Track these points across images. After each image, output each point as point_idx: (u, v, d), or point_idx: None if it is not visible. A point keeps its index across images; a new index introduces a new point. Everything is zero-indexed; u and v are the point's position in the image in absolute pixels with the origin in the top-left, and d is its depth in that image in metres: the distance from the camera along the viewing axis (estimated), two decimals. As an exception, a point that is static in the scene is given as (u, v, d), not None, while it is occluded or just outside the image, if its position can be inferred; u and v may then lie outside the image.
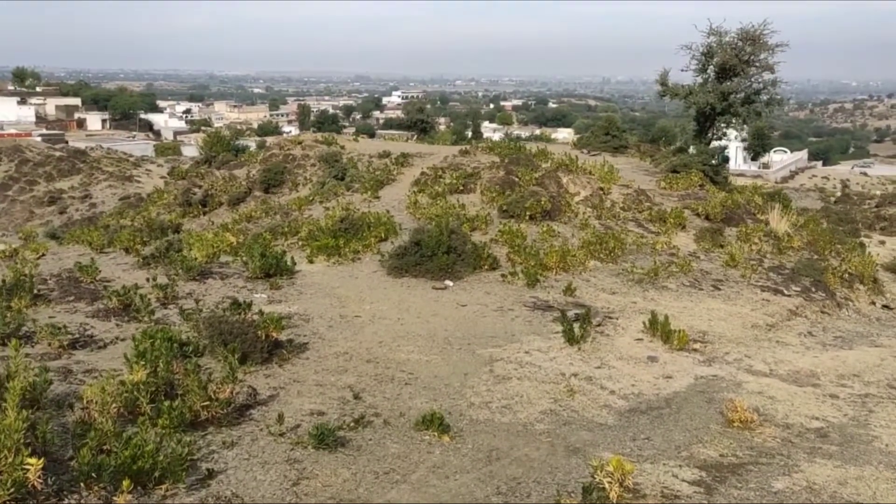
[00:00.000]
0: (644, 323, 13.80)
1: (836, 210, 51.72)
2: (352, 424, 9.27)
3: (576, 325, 13.06)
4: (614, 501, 7.70)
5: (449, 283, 16.62)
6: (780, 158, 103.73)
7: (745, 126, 29.23)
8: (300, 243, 20.31)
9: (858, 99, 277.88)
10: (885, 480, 8.73)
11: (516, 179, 24.05)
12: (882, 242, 35.04)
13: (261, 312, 12.08)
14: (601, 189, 23.54)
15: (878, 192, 71.91)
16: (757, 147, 78.41)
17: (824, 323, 16.30)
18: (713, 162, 28.88)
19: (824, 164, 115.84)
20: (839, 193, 71.98)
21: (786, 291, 17.01)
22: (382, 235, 19.74)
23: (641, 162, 32.30)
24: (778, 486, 8.45)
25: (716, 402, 11.00)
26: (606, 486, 7.71)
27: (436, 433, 9.24)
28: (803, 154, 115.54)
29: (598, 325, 13.81)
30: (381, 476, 8.03)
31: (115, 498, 6.22)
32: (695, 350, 13.35)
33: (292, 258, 17.55)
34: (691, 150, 30.41)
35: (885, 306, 18.87)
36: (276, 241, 20.56)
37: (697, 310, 15.47)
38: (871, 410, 11.08)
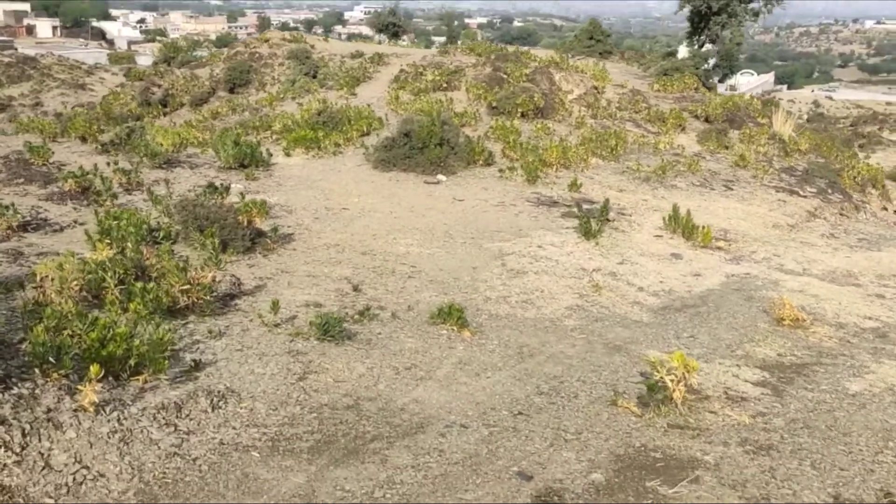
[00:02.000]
0: (664, 218, 12.54)
1: (812, 129, 50.86)
2: (356, 317, 7.92)
3: (592, 220, 11.75)
4: (679, 402, 6.49)
5: (442, 177, 15.16)
6: (747, 81, 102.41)
7: (742, 26, 27.63)
8: (274, 137, 18.61)
9: (824, 23, 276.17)
10: (967, 382, 7.65)
11: (504, 76, 22.39)
12: (867, 157, 34.17)
13: (242, 195, 10.55)
14: (595, 88, 22.04)
15: (843, 115, 71.25)
16: (725, 69, 77.11)
17: (844, 225, 15.22)
18: (706, 66, 27.43)
19: (789, 88, 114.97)
20: (809, 114, 71.17)
21: (801, 192, 15.87)
22: (365, 129, 18.11)
23: (629, 67, 30.69)
24: (854, 388, 7.33)
25: (756, 301, 9.84)
26: (669, 384, 6.49)
27: (454, 327, 7.94)
28: (769, 77, 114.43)
29: (612, 222, 12.52)
30: (402, 372, 6.73)
31: (79, 387, 4.81)
32: (719, 248, 12.15)
33: (268, 150, 15.92)
34: (680, 55, 28.89)
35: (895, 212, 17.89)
36: (247, 136, 18.80)
37: (713, 208, 14.25)
38: (925, 310, 10.01)
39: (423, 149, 15.56)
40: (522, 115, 19.73)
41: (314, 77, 27.87)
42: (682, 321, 8.98)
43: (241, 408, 5.78)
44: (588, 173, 15.86)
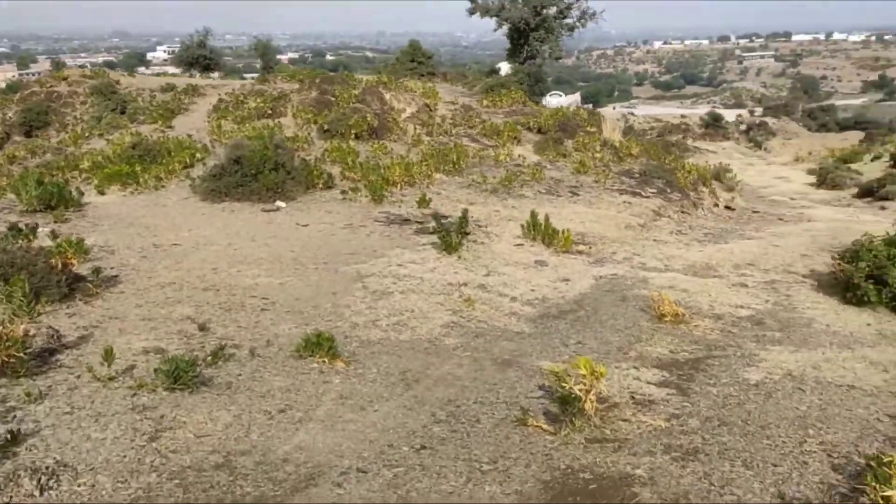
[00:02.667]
0: (522, 227, 12.08)
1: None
2: (209, 359, 6.77)
3: (451, 234, 11.08)
4: (592, 414, 5.84)
5: (281, 204, 14.06)
6: (558, 101, 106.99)
7: (559, 40, 28.18)
8: (84, 175, 16.79)
9: (618, 45, 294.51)
10: (854, 360, 7.53)
11: (332, 99, 21.56)
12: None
13: (53, 236, 9.08)
14: (427, 105, 21.62)
15: (648, 128, 75.56)
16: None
17: (688, 221, 15.43)
18: (530, 82, 27.80)
19: (595, 107, 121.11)
20: (621, 128, 74.94)
21: (644, 193, 15.99)
22: (188, 160, 16.66)
23: (453, 86, 30.66)
24: (754, 378, 6.98)
25: (631, 300, 9.47)
26: (580, 395, 5.83)
27: (325, 359, 6.96)
28: (577, 96, 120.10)
29: (469, 235, 11.91)
30: (276, 416, 5.68)
31: None
32: (580, 252, 11.82)
33: (78, 189, 14.23)
34: (502, 72, 29.17)
35: (727, 207, 18.48)
36: (52, 177, 16.85)
37: (564, 214, 13.99)
38: (788, 295, 10.01)
39: (257, 175, 14.42)
40: (357, 137, 18.94)
41: (123, 112, 25.85)
42: (564, 328, 8.43)
43: (80, 485, 4.56)
44: (434, 189, 15.25)
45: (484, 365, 7.17)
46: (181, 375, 5.85)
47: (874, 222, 16.67)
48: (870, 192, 25.16)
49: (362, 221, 12.98)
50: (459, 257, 10.77)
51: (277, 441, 5.28)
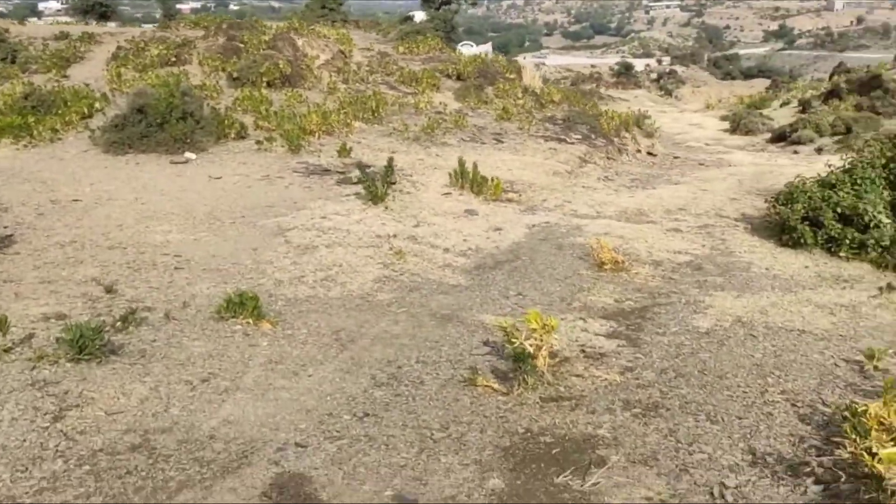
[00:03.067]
0: (450, 175, 11.57)
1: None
2: (119, 325, 6.10)
3: (376, 184, 10.49)
4: (544, 370, 5.45)
5: (191, 155, 13.17)
6: (469, 51, 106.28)
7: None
8: (-31, 129, 15.40)
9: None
10: (799, 303, 7.35)
11: (241, 46, 20.42)
12: (597, 110, 35.88)
13: (-67, 192, 8.12)
14: (342, 52, 20.72)
15: (561, 77, 75.69)
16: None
17: (614, 168, 15.20)
18: (445, 28, 27.07)
19: (506, 56, 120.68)
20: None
21: (568, 140, 15.67)
22: (87, 111, 15.48)
23: (367, 34, 29.64)
24: (704, 325, 6.71)
25: (567, 248, 9.13)
26: (532, 350, 5.42)
27: (249, 320, 6.36)
28: (488, 47, 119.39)
29: (395, 184, 11.34)
30: (198, 386, 5.09)
31: None
32: (510, 200, 11.41)
33: (-37, 143, 13.03)
34: (417, 19, 28.35)
35: (649, 153, 18.36)
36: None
37: (491, 161, 13.53)
38: (724, 239, 9.83)
39: (163, 125, 13.48)
40: (269, 85, 17.99)
41: (13, 62, 23.99)
42: (501, 279, 8.01)
43: (-30, 477, 3.91)
44: (354, 138, 14.56)
45: (422, 321, 6.69)
46: (87, 344, 5.18)
47: (791, 165, 16.81)
48: (782, 137, 25.53)
49: (280, 172, 12.26)
50: (386, 208, 10.22)
51: (202, 415, 4.70)
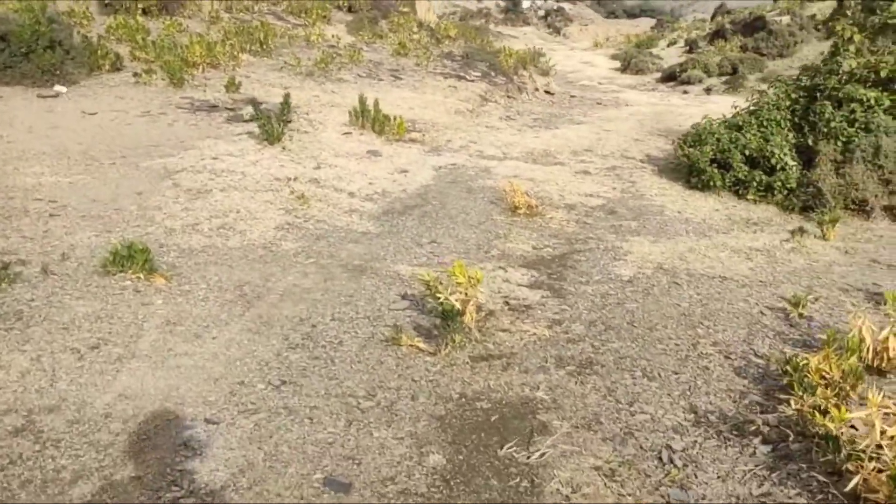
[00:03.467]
0: (350, 113, 10.96)
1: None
2: (-13, 283, 5.36)
3: (272, 121, 9.79)
4: (471, 327, 5.10)
5: (61, 88, 12.01)
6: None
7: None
8: None
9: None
10: (716, 248, 7.27)
11: (113, -31, 18.82)
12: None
13: None
14: (225, -22, 19.42)
15: (450, 12, 74.51)
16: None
17: (515, 106, 14.88)
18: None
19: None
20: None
21: (468, 77, 15.21)
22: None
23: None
24: (626, 273, 6.51)
25: (478, 192, 8.78)
26: (459, 306, 5.06)
27: (140, 275, 5.72)
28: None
29: (291, 123, 10.66)
30: (87, 354, 4.47)
31: None
32: (413, 140, 10.92)
33: None
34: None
35: (546, 91, 18.13)
36: None
37: (390, 99, 12.96)
38: (633, 181, 9.70)
39: (28, 55, 12.20)
40: (144, 12, 16.71)
41: None
42: (412, 225, 7.58)
43: None
44: (242, 71, 13.66)
45: (333, 273, 6.21)
46: (-49, 310, 4.48)
47: (685, 105, 16.96)
48: (672, 77, 25.85)
49: (162, 108, 11.33)
50: (283, 148, 9.56)
51: (94, 389, 4.11)
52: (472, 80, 15.11)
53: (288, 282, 5.97)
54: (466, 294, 5.10)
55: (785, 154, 8.86)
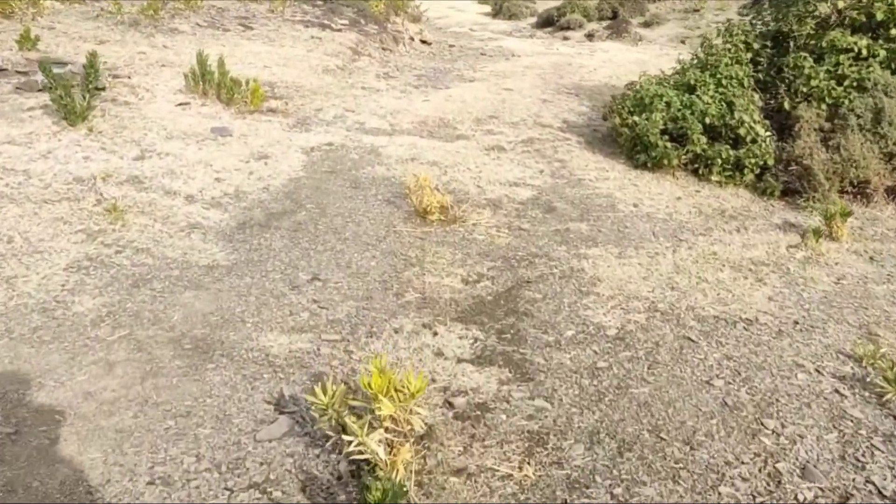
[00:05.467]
0: (186, 75, 8.28)
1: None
2: None
3: (74, 92, 7.04)
4: (408, 485, 2.86)
5: None
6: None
7: None
8: None
9: None
10: (708, 263, 5.30)
11: None
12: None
13: None
14: None
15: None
16: None
17: (393, 61, 12.45)
18: None
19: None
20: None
21: (334, 26, 12.64)
22: None
23: None
24: (610, 322, 4.43)
25: (368, 185, 6.45)
26: (383, 454, 2.81)
27: None
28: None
29: (104, 91, 7.91)
30: None
31: None
32: (273, 111, 8.40)
33: None
34: None
35: (422, 41, 15.75)
36: None
37: (241, 55, 10.29)
38: (562, 160, 7.60)
39: None
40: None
41: None
42: (282, 248, 5.20)
43: None
44: (45, 21, 10.59)
45: (158, 361, 3.78)
46: None
47: (578, 55, 15.03)
48: (549, 22, 23.96)
49: (-76, 74, 8.30)
50: (91, 130, 6.87)
51: None
52: (340, 30, 12.54)
53: (72, 390, 3.51)
54: (396, 423, 2.85)
55: (755, 122, 6.96)
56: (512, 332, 4.24)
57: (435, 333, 4.14)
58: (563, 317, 4.42)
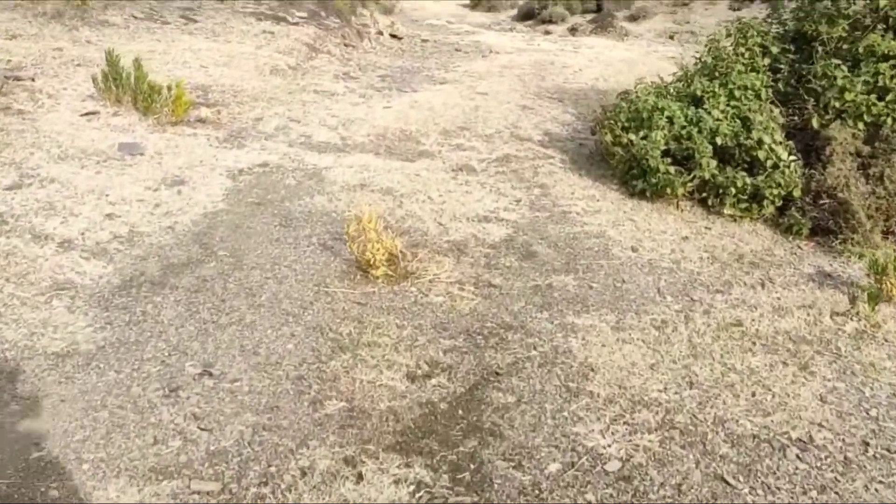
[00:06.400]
0: (95, 78, 6.94)
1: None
2: None
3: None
4: None
5: None
6: None
7: None
8: None
9: None
10: (732, 339, 4.06)
11: None
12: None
13: None
14: None
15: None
16: None
17: (356, 59, 11.13)
18: None
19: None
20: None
21: (290, 19, 11.31)
22: None
23: None
24: (613, 452, 3.17)
25: (301, 223, 5.19)
26: None
27: None
28: None
29: (-4, 95, 6.58)
30: None
31: None
32: (203, 121, 7.08)
33: None
34: None
35: (392, 35, 14.43)
36: None
37: (176, 52, 8.96)
38: (542, 185, 6.35)
39: None
40: None
41: None
42: (172, 320, 3.91)
43: None
44: (-51, 12, 9.21)
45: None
46: None
47: (561, 52, 13.79)
48: (530, 14, 22.74)
49: None
50: (-40, 150, 5.53)
51: None
52: (297, 23, 11.20)
53: None
54: None
55: (777, 143, 5.74)
56: (472, 467, 2.98)
57: (359, 477, 2.87)
58: (545, 436, 3.18)
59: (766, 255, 5.25)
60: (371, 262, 4.44)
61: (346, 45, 11.32)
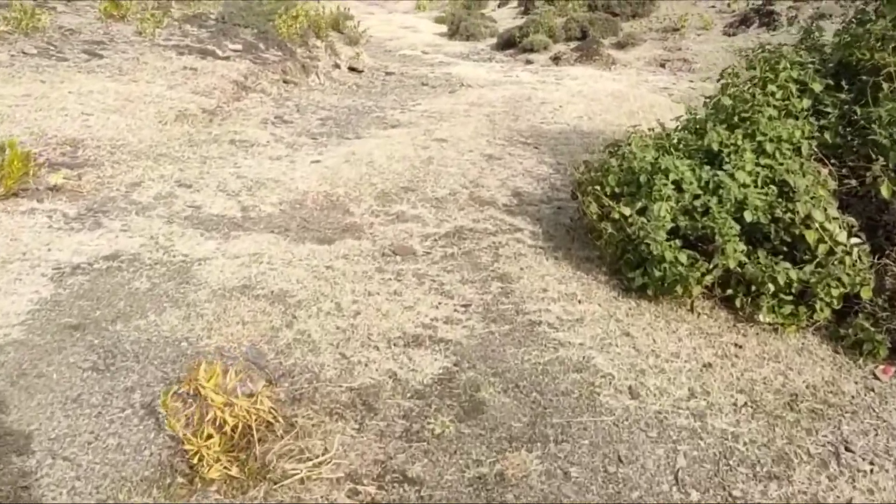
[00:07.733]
0: None
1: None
2: None
3: None
4: None
5: None
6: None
7: None
8: None
9: None
10: None
11: None
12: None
13: None
14: None
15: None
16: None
17: (295, 97, 9.40)
18: None
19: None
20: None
21: (220, 52, 9.59)
22: None
23: None
24: None
25: (128, 359, 3.41)
26: None
27: None
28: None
29: None
30: None
31: None
32: (56, 189, 5.32)
33: None
34: None
35: (351, 68, 12.75)
36: None
37: (55, 98, 7.21)
38: (505, 275, 4.59)
39: None
40: None
41: None
42: None
43: None
44: None
45: None
46: None
47: (541, 84, 12.16)
48: (510, 43, 21.14)
49: None
50: None
51: None
52: (227, 57, 9.49)
53: None
54: None
55: (831, 220, 4.01)
56: None
57: None
58: None
59: (829, 392, 3.51)
60: (201, 456, 2.68)
61: (285, 81, 9.60)
